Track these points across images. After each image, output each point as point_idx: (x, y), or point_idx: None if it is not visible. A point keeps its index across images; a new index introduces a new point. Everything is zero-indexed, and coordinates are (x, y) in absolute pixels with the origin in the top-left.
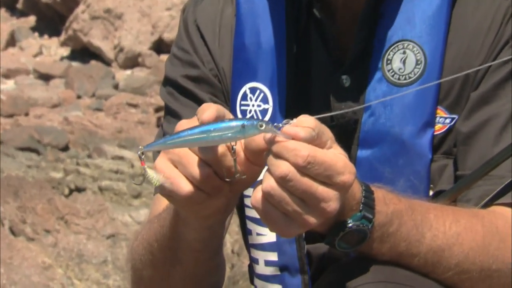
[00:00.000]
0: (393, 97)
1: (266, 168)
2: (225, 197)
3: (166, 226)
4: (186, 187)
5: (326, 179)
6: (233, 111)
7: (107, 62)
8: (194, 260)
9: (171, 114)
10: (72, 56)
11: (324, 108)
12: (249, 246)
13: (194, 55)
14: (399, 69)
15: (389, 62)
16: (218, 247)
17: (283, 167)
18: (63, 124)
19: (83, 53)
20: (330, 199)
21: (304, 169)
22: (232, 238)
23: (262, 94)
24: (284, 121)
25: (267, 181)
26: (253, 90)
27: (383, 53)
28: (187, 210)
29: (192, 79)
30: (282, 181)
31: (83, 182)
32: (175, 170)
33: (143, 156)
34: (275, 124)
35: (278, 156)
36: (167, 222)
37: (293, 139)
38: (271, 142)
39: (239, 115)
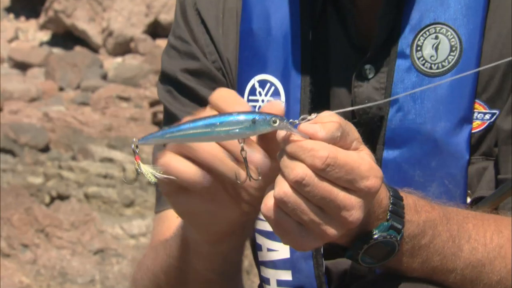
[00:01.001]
0: (423, 88)
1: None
2: (238, 210)
3: (174, 256)
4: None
5: (348, 184)
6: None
7: (94, 49)
8: None
9: (170, 117)
10: (53, 42)
11: (345, 103)
12: (259, 263)
13: (194, 45)
14: (431, 56)
15: (419, 48)
16: (234, 277)
17: (299, 170)
18: (43, 121)
19: (66, 37)
20: (353, 207)
21: (322, 172)
22: None
23: (273, 88)
24: (301, 117)
25: (280, 186)
26: (262, 83)
27: (412, 39)
28: (193, 217)
29: (192, 73)
30: (298, 186)
31: (67, 189)
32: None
33: (137, 150)
34: (291, 120)
35: (293, 157)
36: (175, 252)
37: (311, 138)
38: (285, 141)
39: None
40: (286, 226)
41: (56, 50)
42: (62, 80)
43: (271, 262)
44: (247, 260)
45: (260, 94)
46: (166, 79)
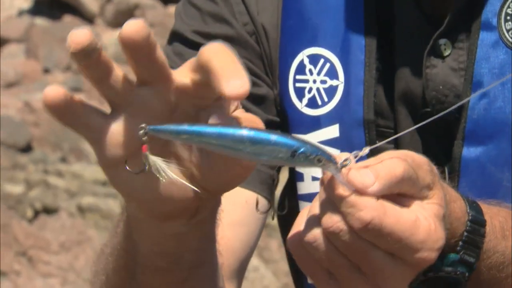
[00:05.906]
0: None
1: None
2: (190, 195)
3: (120, 238)
4: None
5: (393, 251)
6: (283, 89)
7: (88, 18)
8: (158, 285)
9: None
10: (36, 10)
11: (414, 88)
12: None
13: (222, 4)
14: None
15: (508, 18)
16: (197, 267)
17: (334, 219)
18: (24, 113)
19: (52, 5)
20: (391, 275)
21: (361, 233)
22: (279, 281)
23: (328, 65)
24: (354, 153)
25: (312, 227)
26: (314, 58)
27: (499, 6)
28: (133, 193)
29: (216, 38)
30: (331, 236)
31: (55, 200)
32: None
33: (145, 138)
34: (341, 161)
35: (333, 203)
36: (122, 232)
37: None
38: (329, 184)
39: (292, 94)
40: (313, 270)
41: (40, 21)
42: (47, 60)
43: None
44: None
45: (311, 73)
46: (176, 38)
